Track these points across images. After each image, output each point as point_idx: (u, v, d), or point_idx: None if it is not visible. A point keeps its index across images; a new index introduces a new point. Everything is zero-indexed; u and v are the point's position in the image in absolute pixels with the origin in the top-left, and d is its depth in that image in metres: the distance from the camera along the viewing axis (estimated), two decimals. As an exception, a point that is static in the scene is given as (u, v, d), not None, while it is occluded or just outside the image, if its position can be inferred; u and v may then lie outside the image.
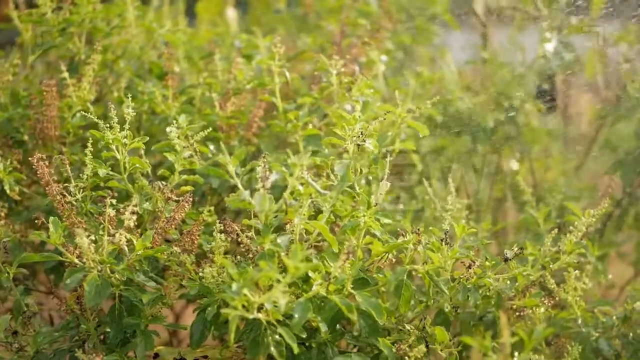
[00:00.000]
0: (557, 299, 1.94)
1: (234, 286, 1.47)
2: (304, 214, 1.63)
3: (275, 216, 1.65)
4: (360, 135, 1.76)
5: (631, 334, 2.02)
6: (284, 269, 1.50)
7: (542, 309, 1.91)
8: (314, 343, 1.73)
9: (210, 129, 1.87)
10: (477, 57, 3.00)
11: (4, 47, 2.63)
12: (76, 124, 2.10)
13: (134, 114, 1.90)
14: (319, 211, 1.72)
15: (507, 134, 2.76)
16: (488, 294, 1.85)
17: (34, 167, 1.76)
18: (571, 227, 1.91)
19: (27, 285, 2.19)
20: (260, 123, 2.19)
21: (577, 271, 2.07)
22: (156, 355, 1.74)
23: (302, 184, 1.61)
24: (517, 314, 1.91)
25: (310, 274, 1.61)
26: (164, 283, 1.73)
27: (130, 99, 1.95)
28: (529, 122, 2.83)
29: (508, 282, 1.93)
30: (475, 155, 2.76)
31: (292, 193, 1.62)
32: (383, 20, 2.88)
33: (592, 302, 2.09)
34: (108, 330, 1.71)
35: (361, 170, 1.76)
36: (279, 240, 1.63)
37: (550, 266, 1.92)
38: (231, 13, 3.47)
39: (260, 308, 1.54)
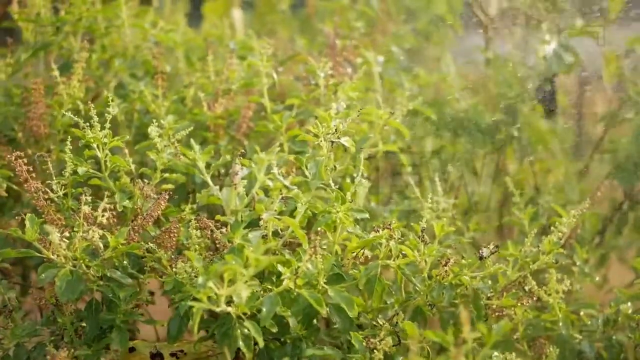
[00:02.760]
0: (533, 300, 1.94)
1: (200, 279, 1.50)
2: (275, 210, 1.66)
3: (250, 211, 1.68)
4: (335, 133, 1.77)
5: (614, 337, 2.02)
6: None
7: (522, 310, 1.92)
8: (289, 338, 1.75)
9: (192, 127, 1.90)
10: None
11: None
12: (66, 122, 2.14)
13: (117, 112, 1.96)
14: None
15: (508, 134, 2.75)
16: (466, 292, 1.86)
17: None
18: (552, 228, 1.92)
19: (20, 282, 2.25)
20: (250, 124, 2.22)
21: (561, 273, 2.08)
22: (132, 349, 1.77)
23: (271, 180, 1.63)
24: (497, 314, 1.92)
25: (280, 268, 1.63)
26: (141, 279, 1.76)
27: (118, 98, 2.00)
28: (529, 122, 2.82)
29: (489, 282, 1.95)
30: (474, 156, 2.76)
31: (262, 189, 1.65)
32: (383, 22, 2.90)
33: (576, 304, 2.09)
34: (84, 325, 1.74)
35: (335, 167, 1.78)
36: (250, 236, 1.65)
37: (530, 266, 1.92)
38: (237, 14, 3.51)
39: (230, 302, 1.56)
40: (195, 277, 1.67)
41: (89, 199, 1.70)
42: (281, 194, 1.67)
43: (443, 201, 2.15)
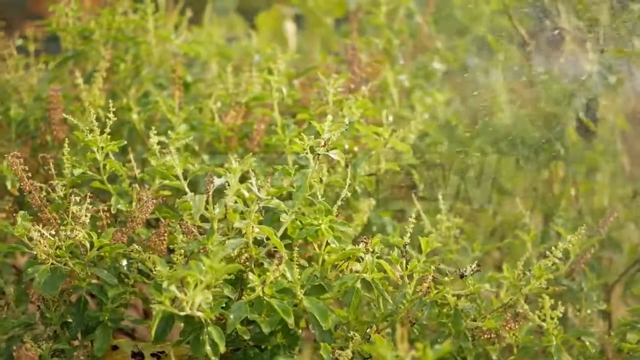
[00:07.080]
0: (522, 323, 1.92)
1: (165, 283, 1.54)
2: (251, 219, 1.69)
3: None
4: (324, 146, 1.80)
5: (612, 365, 1.99)
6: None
7: (511, 332, 1.90)
8: (269, 346, 1.78)
9: (192, 137, 1.97)
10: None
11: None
12: (85, 128, 2.22)
13: (136, 119, 2.06)
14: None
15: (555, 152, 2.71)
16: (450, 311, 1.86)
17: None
18: (547, 252, 1.89)
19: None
20: (264, 136, 2.26)
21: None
22: (115, 347, 1.83)
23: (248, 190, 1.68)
24: (486, 336, 1.91)
25: (252, 277, 1.67)
26: (127, 279, 1.82)
27: (140, 107, 2.09)
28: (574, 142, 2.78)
29: (482, 302, 1.94)
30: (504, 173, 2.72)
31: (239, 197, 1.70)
32: (422, 39, 2.92)
33: (575, 331, 2.06)
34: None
35: (321, 179, 1.81)
36: (229, 243, 1.69)
37: (522, 290, 1.90)
38: (290, 27, 3.57)
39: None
40: (174, 280, 1.72)
41: (77, 199, 1.77)
42: (258, 203, 1.70)
43: (447, 219, 2.15)
